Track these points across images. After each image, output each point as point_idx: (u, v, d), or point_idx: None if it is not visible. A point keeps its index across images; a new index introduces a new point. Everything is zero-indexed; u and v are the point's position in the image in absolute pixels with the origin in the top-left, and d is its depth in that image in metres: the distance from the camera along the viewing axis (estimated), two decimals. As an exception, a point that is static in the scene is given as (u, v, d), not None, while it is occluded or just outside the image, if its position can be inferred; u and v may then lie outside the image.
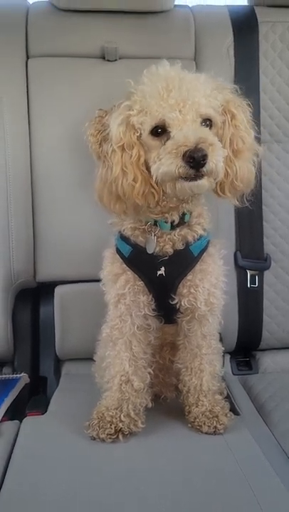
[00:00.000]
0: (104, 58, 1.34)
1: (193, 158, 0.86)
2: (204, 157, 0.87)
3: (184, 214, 1.02)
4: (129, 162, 0.94)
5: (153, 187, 0.95)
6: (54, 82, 1.33)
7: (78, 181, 1.32)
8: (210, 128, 0.95)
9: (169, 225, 1.02)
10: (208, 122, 0.95)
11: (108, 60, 1.33)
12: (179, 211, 1.01)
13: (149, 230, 1.03)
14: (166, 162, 0.89)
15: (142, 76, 0.96)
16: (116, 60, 1.33)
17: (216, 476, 0.92)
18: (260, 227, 1.41)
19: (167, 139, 0.91)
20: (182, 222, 1.03)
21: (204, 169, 0.88)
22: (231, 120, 0.99)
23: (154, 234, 1.02)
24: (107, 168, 0.97)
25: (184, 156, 0.87)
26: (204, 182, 0.91)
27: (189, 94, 0.90)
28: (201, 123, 0.93)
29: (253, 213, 1.36)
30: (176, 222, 1.02)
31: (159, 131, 0.92)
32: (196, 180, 0.90)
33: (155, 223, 1.03)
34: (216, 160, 0.89)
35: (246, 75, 1.37)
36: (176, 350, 1.13)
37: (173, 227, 1.02)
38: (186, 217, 1.03)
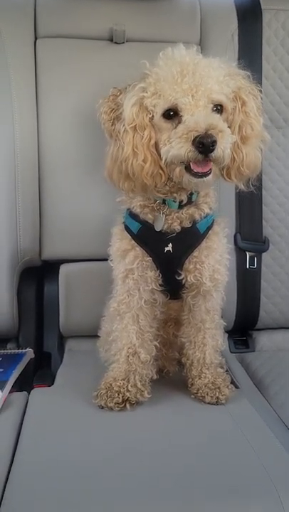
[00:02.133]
0: (112, 40, 1.35)
1: (202, 143, 0.89)
2: (213, 143, 0.90)
3: (191, 194, 1.05)
4: (140, 143, 0.97)
5: (161, 168, 0.98)
6: (62, 63, 1.34)
7: (84, 162, 1.35)
8: (220, 113, 0.97)
9: (177, 203, 1.05)
10: (219, 107, 0.97)
11: (116, 43, 1.35)
12: (187, 191, 1.04)
13: (158, 208, 1.06)
14: (176, 146, 0.92)
15: (156, 59, 0.98)
16: (124, 42, 1.35)
17: (221, 442, 0.96)
18: (260, 211, 1.44)
19: (179, 123, 0.93)
20: (190, 201, 1.06)
21: (212, 154, 0.91)
22: (242, 107, 1.00)
23: (163, 212, 1.05)
24: (119, 147, 0.99)
25: (194, 141, 0.89)
26: (210, 179, 0.95)
27: (203, 81, 0.93)
28: (212, 108, 0.95)
29: (253, 197, 1.39)
30: (185, 201, 1.05)
31: (171, 114, 0.95)
32: (202, 177, 0.94)
33: (164, 202, 1.05)
34: (224, 147, 0.92)
35: (249, 61, 1.36)
36: (180, 325, 1.16)
37: (181, 205, 1.05)
38: (194, 197, 1.06)
